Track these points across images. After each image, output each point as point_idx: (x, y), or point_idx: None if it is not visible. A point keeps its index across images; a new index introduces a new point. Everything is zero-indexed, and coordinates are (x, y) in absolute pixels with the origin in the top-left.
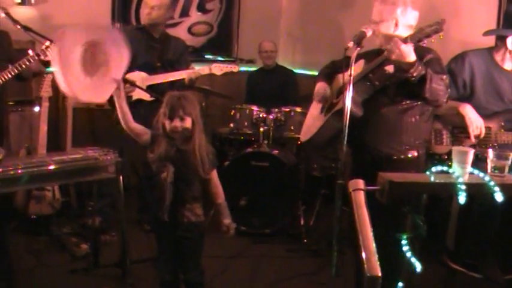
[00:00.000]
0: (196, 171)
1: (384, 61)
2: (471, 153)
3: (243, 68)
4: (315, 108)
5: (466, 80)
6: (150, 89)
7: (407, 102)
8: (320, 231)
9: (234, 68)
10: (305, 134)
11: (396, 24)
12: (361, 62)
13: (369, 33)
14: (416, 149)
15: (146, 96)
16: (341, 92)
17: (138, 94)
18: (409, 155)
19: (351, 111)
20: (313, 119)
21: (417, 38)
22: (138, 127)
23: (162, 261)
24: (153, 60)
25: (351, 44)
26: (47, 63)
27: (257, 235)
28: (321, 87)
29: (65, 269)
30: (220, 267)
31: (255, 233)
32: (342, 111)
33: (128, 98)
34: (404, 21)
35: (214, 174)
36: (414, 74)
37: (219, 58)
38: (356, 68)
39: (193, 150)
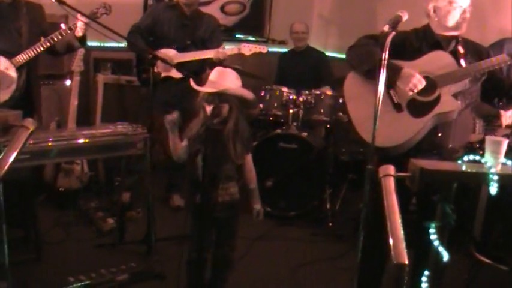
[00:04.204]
0: (228, 153)
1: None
2: (505, 143)
3: (275, 49)
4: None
5: (504, 67)
6: (179, 66)
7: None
8: (345, 216)
9: (263, 49)
10: (388, 139)
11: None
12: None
13: (405, 17)
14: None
15: (175, 74)
16: (433, 85)
17: (167, 71)
18: None
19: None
20: (388, 119)
21: None
22: (182, 152)
23: (193, 240)
24: (183, 38)
25: (386, 28)
26: (81, 39)
27: (282, 217)
28: (410, 73)
29: (91, 243)
30: (244, 248)
31: (280, 215)
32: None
33: (157, 74)
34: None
35: (249, 159)
36: None
37: (251, 38)
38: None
39: (227, 134)
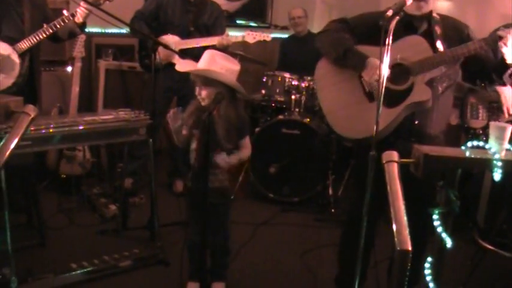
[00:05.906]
0: (218, 138)
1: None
2: (509, 129)
3: (277, 35)
4: (347, 94)
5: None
6: (182, 52)
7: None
8: (348, 202)
9: (267, 37)
10: (361, 130)
11: None
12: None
13: (409, 1)
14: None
15: (177, 60)
16: (407, 73)
17: (168, 58)
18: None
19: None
20: (360, 109)
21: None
22: (184, 139)
23: (192, 224)
24: (187, 24)
25: (390, 13)
26: (81, 24)
27: (286, 203)
28: (375, 64)
29: (94, 230)
30: (247, 234)
31: (283, 201)
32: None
33: (160, 61)
34: None
35: (246, 141)
36: None
37: (252, 24)
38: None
39: (213, 118)
